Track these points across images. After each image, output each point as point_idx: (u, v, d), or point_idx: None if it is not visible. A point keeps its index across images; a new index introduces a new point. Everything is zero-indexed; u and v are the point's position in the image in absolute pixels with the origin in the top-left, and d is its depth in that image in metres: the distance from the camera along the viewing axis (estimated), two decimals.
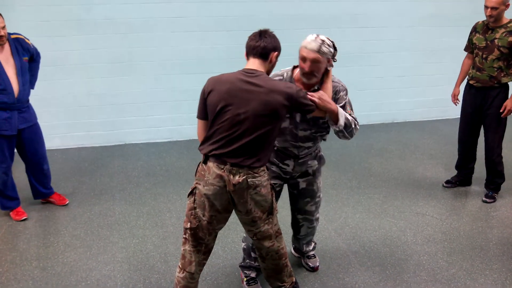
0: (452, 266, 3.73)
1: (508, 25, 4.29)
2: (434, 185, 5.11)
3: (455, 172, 5.09)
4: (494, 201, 4.74)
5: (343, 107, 2.91)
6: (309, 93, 2.72)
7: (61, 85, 5.91)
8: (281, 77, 2.94)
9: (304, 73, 2.76)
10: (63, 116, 6.04)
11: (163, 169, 5.50)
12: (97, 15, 5.74)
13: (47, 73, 5.77)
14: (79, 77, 5.94)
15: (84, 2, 5.65)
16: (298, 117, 2.96)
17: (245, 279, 3.43)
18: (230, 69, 6.30)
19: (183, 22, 6.06)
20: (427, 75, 7.37)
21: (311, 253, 3.72)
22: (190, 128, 6.51)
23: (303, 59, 2.73)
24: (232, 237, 4.08)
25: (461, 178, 5.05)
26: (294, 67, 2.98)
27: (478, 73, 4.48)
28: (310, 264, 3.66)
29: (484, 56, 4.41)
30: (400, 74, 7.10)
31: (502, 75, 4.38)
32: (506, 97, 4.46)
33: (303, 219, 3.39)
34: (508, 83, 4.50)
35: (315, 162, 3.20)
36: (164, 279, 3.55)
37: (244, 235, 3.35)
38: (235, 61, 6.37)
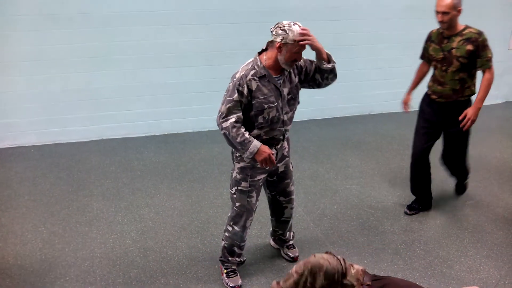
0: (429, 254, 3.80)
1: (464, 32, 3.87)
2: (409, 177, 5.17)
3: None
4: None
5: None
6: (303, 28, 2.88)
7: (37, 80, 5.82)
8: (254, 69, 2.97)
9: (293, 62, 2.96)
10: (39, 112, 5.96)
11: (141, 164, 5.48)
12: (72, 9, 5.66)
13: (22, 68, 5.70)
14: (55, 73, 5.86)
15: None
16: (281, 102, 3.05)
17: (225, 271, 3.45)
18: (208, 62, 6.38)
19: (161, 15, 6.01)
20: (404, 66, 7.42)
21: (291, 242, 3.76)
22: (168, 122, 6.50)
23: (300, 51, 2.93)
24: (211, 231, 4.09)
25: (422, 204, 4.49)
26: (259, 54, 3.05)
27: (439, 87, 4.02)
28: (290, 254, 3.70)
29: (443, 68, 3.95)
30: (378, 66, 7.16)
31: (466, 86, 3.95)
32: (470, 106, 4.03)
33: (286, 201, 3.48)
34: (474, 92, 4.04)
35: (286, 143, 3.32)
36: (144, 274, 3.55)
37: (226, 234, 3.37)
38: (214, 54, 6.40)
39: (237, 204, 3.24)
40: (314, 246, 3.88)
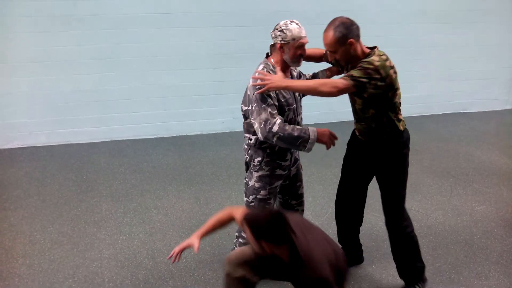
0: (437, 260, 3.78)
1: (361, 63, 2.84)
2: (420, 180, 5.16)
3: (439, 168, 5.08)
4: None
5: None
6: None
7: (47, 81, 5.86)
8: (266, 68, 3.00)
9: (299, 59, 2.95)
10: (49, 113, 5.99)
11: (150, 165, 5.49)
12: (83, 11, 5.70)
13: (32, 69, 5.74)
14: (65, 74, 5.90)
15: None
16: (296, 104, 3.07)
17: None
18: (217, 65, 6.40)
19: (170, 18, 6.04)
20: (412, 71, 7.43)
21: None
22: (177, 124, 6.51)
23: (301, 46, 2.90)
24: (219, 234, 4.08)
25: (350, 256, 3.64)
26: (267, 57, 3.07)
27: (358, 124, 3.18)
28: None
29: (353, 105, 3.13)
30: None
31: (384, 121, 3.02)
32: (398, 149, 3.10)
33: (297, 204, 3.45)
34: (400, 128, 3.08)
35: None
36: (152, 275, 3.55)
37: (241, 240, 3.32)
38: (222, 57, 6.41)
39: None
40: None
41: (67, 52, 5.82)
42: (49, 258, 3.74)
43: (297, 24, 2.89)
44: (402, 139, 3.09)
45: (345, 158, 3.43)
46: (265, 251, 2.43)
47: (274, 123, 2.81)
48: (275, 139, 2.82)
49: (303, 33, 2.89)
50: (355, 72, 2.75)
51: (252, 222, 2.38)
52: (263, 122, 2.82)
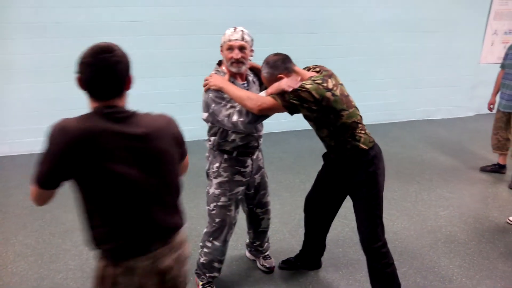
0: (403, 264, 3.84)
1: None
2: (385, 186, 5.21)
3: (404, 174, 5.16)
4: None
5: None
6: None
7: (9, 90, 5.75)
8: (217, 74, 3.02)
9: (233, 62, 2.91)
10: (12, 122, 5.88)
11: None
12: (46, 18, 5.63)
13: None
14: (27, 82, 5.80)
15: (32, 4, 5.52)
16: None
17: (200, 283, 3.42)
18: (183, 73, 6.38)
19: (135, 26, 6.01)
20: (377, 79, 7.56)
21: (267, 253, 3.76)
22: None
23: (230, 48, 2.90)
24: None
25: (311, 261, 3.75)
26: (219, 65, 3.11)
27: (323, 142, 3.20)
28: (267, 264, 3.70)
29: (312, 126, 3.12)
30: (352, 78, 7.25)
31: (341, 140, 2.99)
32: (363, 167, 3.03)
33: (263, 212, 3.48)
34: (361, 147, 2.98)
35: (260, 154, 3.33)
36: None
37: (205, 250, 3.30)
38: (188, 65, 6.40)
39: (217, 219, 3.19)
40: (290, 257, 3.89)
41: (29, 60, 5.73)
42: (12, 271, 3.66)
43: (234, 29, 2.91)
44: (367, 158, 3.00)
45: (319, 171, 3.47)
46: None
47: (233, 113, 2.80)
48: (247, 125, 2.78)
49: (234, 36, 2.88)
50: (287, 94, 2.75)
51: None
52: (225, 119, 2.82)
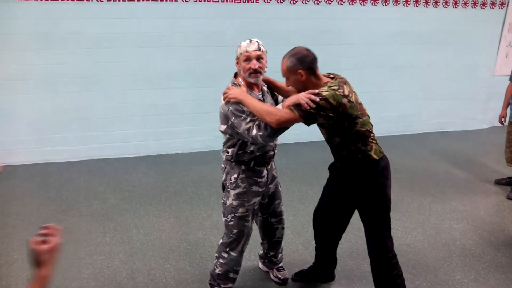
0: (417, 277, 3.81)
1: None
2: (399, 198, 5.21)
3: (418, 187, 5.14)
4: None
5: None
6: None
7: (27, 99, 5.83)
8: (234, 86, 3.05)
9: (251, 73, 2.95)
10: (29, 131, 5.95)
11: (130, 184, 5.46)
12: (64, 30, 5.70)
13: (12, 87, 5.71)
14: (45, 92, 5.88)
15: (52, 16, 5.61)
16: None
17: None
18: (197, 84, 6.41)
19: (151, 37, 6.07)
20: (390, 91, 7.55)
21: (280, 264, 3.75)
22: (157, 143, 6.51)
23: (247, 59, 2.93)
24: (200, 253, 4.07)
25: (324, 273, 3.73)
26: (235, 77, 3.12)
27: (332, 151, 3.12)
28: (280, 276, 3.69)
29: (322, 134, 3.09)
30: (365, 90, 7.21)
31: (352, 149, 2.94)
32: (373, 178, 2.98)
33: (277, 222, 3.48)
34: (373, 157, 2.95)
35: (273, 163, 3.33)
36: None
37: (221, 261, 3.28)
38: (202, 76, 6.44)
39: (235, 230, 3.19)
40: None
41: (48, 70, 5.80)
42: (27, 278, 3.68)
43: (250, 41, 2.96)
44: (377, 168, 2.96)
45: (325, 184, 3.42)
46: None
47: (252, 127, 2.82)
48: (266, 138, 2.80)
49: (251, 47, 2.92)
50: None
51: None
52: (246, 132, 2.84)
